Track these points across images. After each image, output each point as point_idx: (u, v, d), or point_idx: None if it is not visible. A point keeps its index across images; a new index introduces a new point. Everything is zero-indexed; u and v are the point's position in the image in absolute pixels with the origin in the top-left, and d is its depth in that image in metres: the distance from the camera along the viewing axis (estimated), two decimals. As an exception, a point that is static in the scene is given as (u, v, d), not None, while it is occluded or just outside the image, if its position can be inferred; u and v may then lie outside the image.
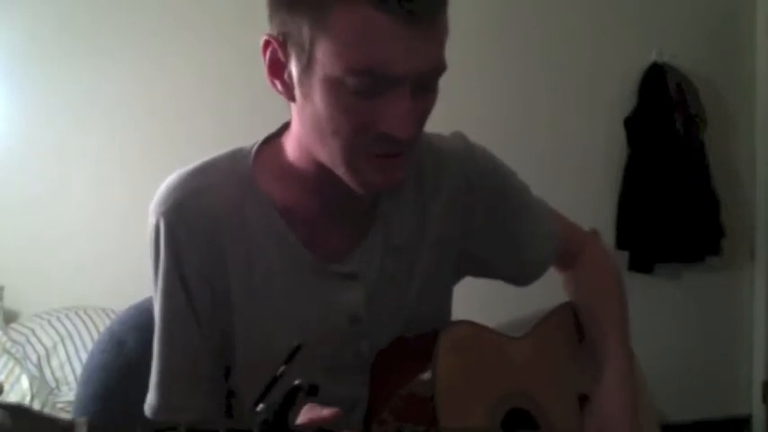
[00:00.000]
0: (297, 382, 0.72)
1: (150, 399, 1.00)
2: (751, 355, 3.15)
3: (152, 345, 1.00)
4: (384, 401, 0.97)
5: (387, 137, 0.84)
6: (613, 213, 2.96)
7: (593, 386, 1.12)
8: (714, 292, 3.11)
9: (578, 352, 1.18)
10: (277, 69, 0.89)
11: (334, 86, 0.83)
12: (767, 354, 3.10)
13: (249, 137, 1.02)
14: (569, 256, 1.21)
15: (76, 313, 2.43)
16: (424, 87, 0.85)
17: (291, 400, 0.71)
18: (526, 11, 2.90)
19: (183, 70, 2.66)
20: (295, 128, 0.95)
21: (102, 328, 2.17)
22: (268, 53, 0.88)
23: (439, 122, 0.97)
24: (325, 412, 0.80)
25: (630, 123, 2.95)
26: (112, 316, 2.11)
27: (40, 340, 2.33)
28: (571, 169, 2.91)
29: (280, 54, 0.87)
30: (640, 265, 2.92)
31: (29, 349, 2.30)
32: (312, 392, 0.72)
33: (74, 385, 2.16)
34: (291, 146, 0.96)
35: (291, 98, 0.90)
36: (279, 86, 0.90)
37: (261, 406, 0.71)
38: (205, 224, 0.95)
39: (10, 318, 2.46)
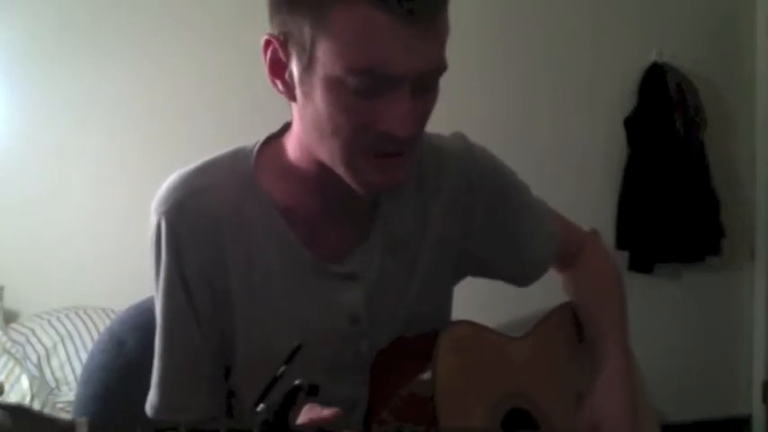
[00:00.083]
0: (297, 382, 0.72)
1: (151, 398, 1.00)
2: (751, 355, 3.15)
3: (152, 345, 1.00)
4: (384, 401, 0.97)
5: (387, 136, 0.84)
6: (613, 213, 2.96)
7: (589, 385, 1.12)
8: (714, 292, 3.11)
9: (578, 352, 1.18)
10: (278, 69, 0.89)
11: (334, 86, 0.83)
12: (767, 354, 3.10)
13: (249, 137, 1.02)
14: (569, 257, 1.21)
15: (76, 313, 2.43)
16: (424, 87, 0.85)
17: (292, 401, 0.71)
18: (526, 11, 2.90)
19: (183, 70, 2.66)
20: (296, 128, 0.95)
21: (102, 328, 2.17)
22: (269, 53, 0.88)
23: (439, 122, 0.97)
24: (326, 412, 0.80)
25: (630, 123, 2.95)
26: (112, 316, 2.11)
27: (40, 340, 2.33)
28: (571, 169, 2.91)
29: (281, 54, 0.87)
30: (640, 265, 2.92)
31: (29, 349, 2.30)
32: (312, 392, 0.72)
33: (74, 385, 2.16)
34: (292, 146, 0.96)
35: (292, 98, 0.90)
36: (280, 86, 0.90)
37: (261, 406, 0.71)
38: (206, 224, 0.95)
39: (10, 318, 2.46)
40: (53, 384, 2.27)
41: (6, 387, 2.08)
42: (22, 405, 0.66)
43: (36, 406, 2.07)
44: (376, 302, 1.02)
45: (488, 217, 1.09)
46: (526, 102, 2.91)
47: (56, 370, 2.30)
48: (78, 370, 2.21)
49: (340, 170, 0.89)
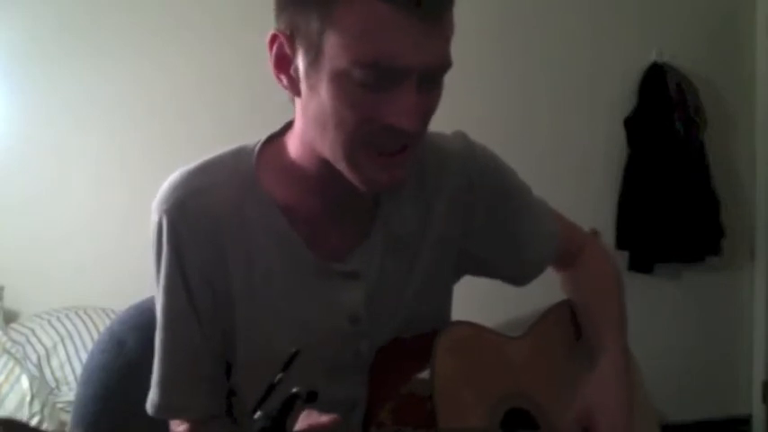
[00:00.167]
0: (295, 389, 0.71)
1: (152, 397, 1.00)
2: (751, 355, 3.15)
3: (152, 345, 1.00)
4: (383, 402, 0.97)
5: (391, 129, 0.84)
6: (613, 213, 2.96)
7: (588, 382, 1.12)
8: (714, 292, 3.11)
9: (577, 351, 1.18)
10: (283, 64, 0.89)
11: (340, 79, 0.83)
12: (767, 354, 3.10)
13: (249, 137, 1.02)
14: (569, 256, 1.21)
15: (76, 313, 2.43)
16: (429, 82, 0.86)
17: (289, 407, 0.71)
18: (526, 11, 2.89)
19: (183, 70, 2.66)
20: (298, 125, 0.95)
21: (102, 328, 2.17)
22: (275, 48, 0.89)
23: (439, 122, 0.97)
24: (324, 418, 0.80)
25: (630, 123, 2.94)
26: (112, 316, 2.11)
27: (40, 340, 2.33)
28: (571, 169, 2.91)
29: (287, 48, 0.87)
30: (640, 265, 2.92)
31: (29, 349, 2.30)
32: (310, 399, 0.72)
33: (74, 385, 2.16)
34: (294, 145, 0.96)
35: (297, 93, 0.90)
36: (284, 81, 0.90)
37: (258, 413, 0.71)
38: (206, 223, 0.95)
39: (10, 318, 2.45)
40: (53, 384, 2.27)
41: (6, 387, 2.08)
42: (13, 418, 0.65)
43: (36, 406, 2.07)
44: (376, 302, 1.02)
45: (489, 216, 1.09)
46: (526, 102, 2.91)
47: (56, 370, 2.30)
48: (78, 370, 2.21)
49: (341, 166, 0.89)
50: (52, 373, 2.29)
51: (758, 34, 3.08)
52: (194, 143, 2.52)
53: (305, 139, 0.93)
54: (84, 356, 1.90)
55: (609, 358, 1.11)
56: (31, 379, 2.13)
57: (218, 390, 1.01)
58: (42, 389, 2.16)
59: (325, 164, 0.92)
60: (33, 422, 2.00)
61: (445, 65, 0.86)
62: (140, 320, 1.18)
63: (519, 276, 1.18)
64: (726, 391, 3.15)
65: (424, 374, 0.97)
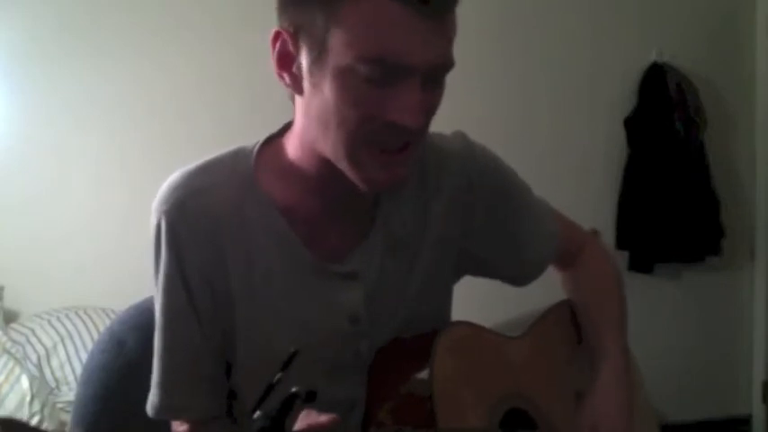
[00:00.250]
0: (294, 389, 0.71)
1: (152, 398, 1.00)
2: (751, 355, 3.14)
3: (152, 345, 1.00)
4: (382, 402, 0.97)
5: (394, 126, 0.85)
6: (613, 213, 2.96)
7: (588, 385, 1.12)
8: (714, 292, 3.11)
9: (577, 351, 1.18)
10: (286, 62, 0.89)
11: (345, 75, 0.83)
12: (767, 354, 3.10)
13: (249, 137, 1.02)
14: (569, 256, 1.21)
15: (76, 313, 2.43)
16: (433, 81, 0.86)
17: (289, 407, 0.71)
18: (526, 11, 2.89)
19: (183, 70, 2.66)
20: (298, 124, 0.95)
21: (102, 328, 2.17)
22: (278, 45, 0.89)
23: (439, 122, 0.97)
24: (323, 418, 0.80)
25: (630, 123, 2.94)
26: (112, 316, 2.11)
27: (40, 340, 2.33)
28: (571, 169, 2.91)
29: (290, 46, 0.87)
30: (640, 265, 2.92)
31: (29, 349, 2.30)
32: (309, 399, 0.72)
33: (74, 385, 2.16)
34: (293, 145, 0.96)
35: (299, 91, 0.90)
36: (287, 79, 0.90)
37: (258, 413, 0.71)
38: (206, 224, 0.95)
39: (10, 318, 2.45)
40: (53, 384, 2.27)
41: (6, 387, 2.08)
42: (14, 418, 0.65)
43: (36, 406, 2.07)
44: (376, 302, 1.02)
45: (488, 216, 1.09)
46: (526, 102, 2.91)
47: (56, 370, 2.30)
48: (78, 370, 2.21)
49: (343, 165, 0.89)
50: (52, 373, 2.29)
51: (758, 34, 3.08)
52: (194, 143, 2.52)
53: (305, 138, 0.93)
54: (84, 356, 1.90)
55: (610, 364, 1.12)
56: (31, 379, 2.13)
57: (218, 390, 1.01)
58: (42, 389, 2.16)
59: (325, 163, 0.92)
60: (33, 422, 2.00)
61: (448, 64, 0.86)
62: (140, 320, 1.18)
63: (519, 276, 1.18)
64: (726, 391, 3.15)
65: (424, 374, 0.97)
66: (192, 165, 0.98)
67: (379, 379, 1.00)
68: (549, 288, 1.24)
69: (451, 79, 0.90)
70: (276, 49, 0.89)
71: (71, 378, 2.27)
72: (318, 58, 0.84)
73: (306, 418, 0.81)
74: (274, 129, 1.02)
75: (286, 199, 0.97)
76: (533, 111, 2.92)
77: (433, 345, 0.98)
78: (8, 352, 2.19)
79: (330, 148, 0.89)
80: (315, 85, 0.87)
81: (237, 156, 0.99)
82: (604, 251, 1.26)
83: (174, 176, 0.98)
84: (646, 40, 2.95)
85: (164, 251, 0.95)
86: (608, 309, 1.18)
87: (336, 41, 0.83)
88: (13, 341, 2.27)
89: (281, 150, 0.98)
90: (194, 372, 0.99)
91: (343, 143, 0.87)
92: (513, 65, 2.89)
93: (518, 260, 1.15)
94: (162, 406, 0.99)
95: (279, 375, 0.73)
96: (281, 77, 0.91)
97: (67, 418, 2.05)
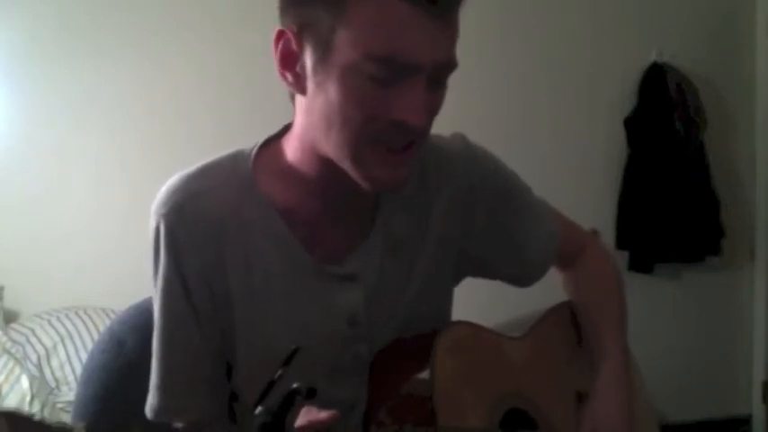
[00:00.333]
0: (295, 385, 0.72)
1: (151, 400, 1.00)
2: (751, 355, 3.14)
3: (152, 345, 1.00)
4: (382, 402, 0.97)
5: (399, 125, 0.85)
6: (613, 213, 2.96)
7: (589, 386, 1.12)
8: (714, 292, 3.11)
9: (577, 352, 1.18)
10: (289, 61, 0.89)
11: (351, 73, 0.83)
12: (767, 354, 3.10)
13: (249, 137, 1.02)
14: (569, 256, 1.21)
15: (76, 313, 2.43)
16: (437, 80, 0.86)
17: (289, 403, 0.71)
18: (526, 11, 2.89)
19: (183, 70, 2.66)
20: (299, 125, 0.94)
21: (102, 328, 2.17)
22: (281, 45, 0.89)
23: (439, 122, 0.97)
24: (323, 415, 0.80)
25: (630, 123, 2.94)
26: (112, 316, 2.11)
27: (40, 340, 2.33)
28: (571, 169, 2.91)
29: (294, 45, 0.87)
30: (640, 265, 2.92)
31: (29, 349, 2.30)
32: (310, 395, 0.72)
33: (74, 385, 2.16)
34: (293, 146, 0.96)
35: (302, 90, 0.90)
36: (289, 78, 0.90)
37: (259, 408, 0.71)
38: (205, 226, 0.95)
39: (10, 318, 2.45)
40: (53, 384, 2.27)
41: (6, 387, 2.08)
42: (18, 411, 0.65)
43: (36, 406, 2.07)
44: (375, 304, 1.02)
45: (490, 218, 1.09)
46: (526, 102, 2.91)
47: (56, 370, 2.30)
48: (78, 370, 2.21)
49: (346, 164, 0.89)
50: (52, 373, 2.29)
51: (758, 34, 3.08)
52: (194, 143, 2.53)
53: (306, 139, 0.93)
54: (84, 356, 1.91)
55: (610, 364, 1.12)
56: (31, 379, 2.13)
57: (218, 391, 1.01)
58: (42, 389, 2.16)
59: (326, 164, 0.92)
60: (33, 422, 1.99)
61: (453, 64, 0.87)
62: (140, 320, 1.18)
63: (520, 276, 1.18)
64: (726, 391, 3.15)
65: (424, 374, 0.97)
66: (190, 168, 0.98)
67: (380, 379, 1.00)
68: (549, 289, 1.24)
69: (451, 79, 0.90)
70: (279, 49, 0.89)
71: (71, 378, 2.27)
72: (323, 56, 0.84)
73: (306, 414, 0.81)
74: (274, 129, 1.02)
75: (285, 201, 0.97)
76: (533, 111, 2.91)
77: (433, 345, 0.98)
78: (8, 352, 2.19)
79: (333, 147, 0.89)
80: (319, 85, 0.86)
81: (236, 158, 0.99)
82: (604, 251, 1.26)
83: (172, 180, 0.97)
84: (646, 40, 2.95)
85: (162, 254, 0.95)
86: (608, 309, 1.18)
87: (343, 40, 0.83)
88: (13, 341, 2.27)
89: (279, 152, 0.98)
90: (193, 373, 0.99)
91: (348, 142, 0.87)
92: (513, 65, 2.89)
93: (518, 260, 1.14)
94: (161, 408, 0.99)
95: (280, 371, 0.73)
96: (284, 77, 0.91)
97: (67, 418, 2.04)
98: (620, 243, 2.93)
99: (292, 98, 0.95)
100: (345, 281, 1.00)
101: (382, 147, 0.87)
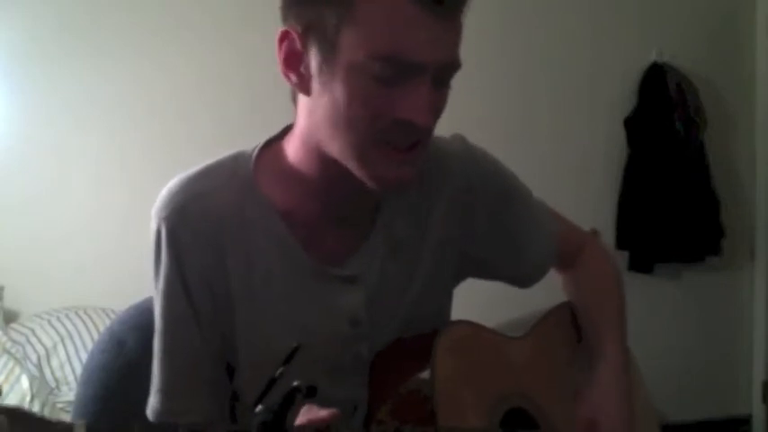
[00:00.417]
0: (295, 383, 0.72)
1: (152, 402, 0.99)
2: (751, 355, 3.15)
3: (152, 345, 1.00)
4: (383, 401, 0.96)
5: (404, 123, 0.85)
6: (613, 213, 2.96)
7: (588, 385, 1.12)
8: (714, 292, 3.11)
9: (577, 352, 1.18)
10: (293, 62, 0.89)
11: (356, 73, 0.83)
12: (767, 354, 3.10)
13: (249, 137, 1.02)
14: (569, 257, 1.21)
15: (76, 313, 2.43)
16: (441, 80, 0.87)
17: (290, 401, 0.71)
18: (526, 11, 2.90)
19: (183, 70, 2.66)
20: (301, 126, 0.94)
21: (102, 328, 2.17)
22: (285, 45, 0.89)
23: (439, 122, 0.97)
24: (324, 413, 0.81)
25: (630, 123, 2.95)
26: (112, 316, 2.11)
27: (40, 340, 2.33)
28: (571, 169, 2.91)
29: (298, 45, 0.87)
30: (640, 265, 2.92)
31: (29, 349, 2.30)
32: (311, 394, 0.72)
33: (74, 385, 2.16)
34: (294, 147, 0.96)
35: (306, 91, 0.90)
36: (294, 79, 0.90)
37: (260, 407, 0.71)
38: (206, 228, 0.95)
39: (10, 318, 2.45)
40: (53, 384, 2.27)
41: (6, 387, 2.08)
42: (20, 408, 0.65)
43: (36, 406, 2.07)
44: (376, 305, 1.02)
45: (490, 220, 1.09)
46: (526, 102, 2.91)
47: (56, 370, 2.30)
48: (78, 370, 2.21)
49: (351, 164, 0.89)
50: (52, 373, 2.29)
51: (758, 34, 3.08)
52: (194, 143, 2.53)
53: (308, 139, 0.93)
54: (84, 356, 1.90)
55: (609, 363, 1.12)
56: (31, 379, 2.13)
57: (219, 393, 1.01)
58: (42, 389, 2.16)
59: (328, 165, 0.92)
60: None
61: (457, 64, 0.87)
62: (140, 320, 1.18)
63: (521, 277, 1.18)
64: (726, 391, 3.15)
65: (425, 374, 0.97)
66: (191, 170, 0.98)
67: (380, 379, 1.00)
68: (549, 289, 1.24)
69: (452, 79, 0.90)
70: (283, 49, 0.89)
71: (71, 378, 2.27)
72: (329, 56, 0.85)
73: (307, 412, 0.81)
74: (275, 129, 1.02)
75: (286, 202, 0.97)
76: (533, 111, 2.92)
77: (434, 344, 0.98)
78: (8, 352, 2.19)
79: (338, 147, 0.89)
80: (324, 85, 0.87)
81: (237, 160, 0.99)
82: (604, 251, 1.26)
83: (173, 182, 0.97)
84: (646, 40, 2.95)
85: (164, 256, 0.95)
86: (608, 309, 1.18)
87: (348, 40, 0.83)
88: (13, 341, 2.28)
89: (280, 153, 0.98)
90: (195, 375, 0.99)
91: (353, 142, 0.87)
92: (513, 65, 2.89)
93: (519, 261, 1.15)
94: (162, 410, 0.99)
95: (281, 370, 0.74)
96: (288, 78, 0.91)
97: (67, 418, 2.04)
98: (620, 243, 2.93)
99: (294, 99, 0.95)
100: (346, 282, 1.00)
101: (388, 146, 0.87)
